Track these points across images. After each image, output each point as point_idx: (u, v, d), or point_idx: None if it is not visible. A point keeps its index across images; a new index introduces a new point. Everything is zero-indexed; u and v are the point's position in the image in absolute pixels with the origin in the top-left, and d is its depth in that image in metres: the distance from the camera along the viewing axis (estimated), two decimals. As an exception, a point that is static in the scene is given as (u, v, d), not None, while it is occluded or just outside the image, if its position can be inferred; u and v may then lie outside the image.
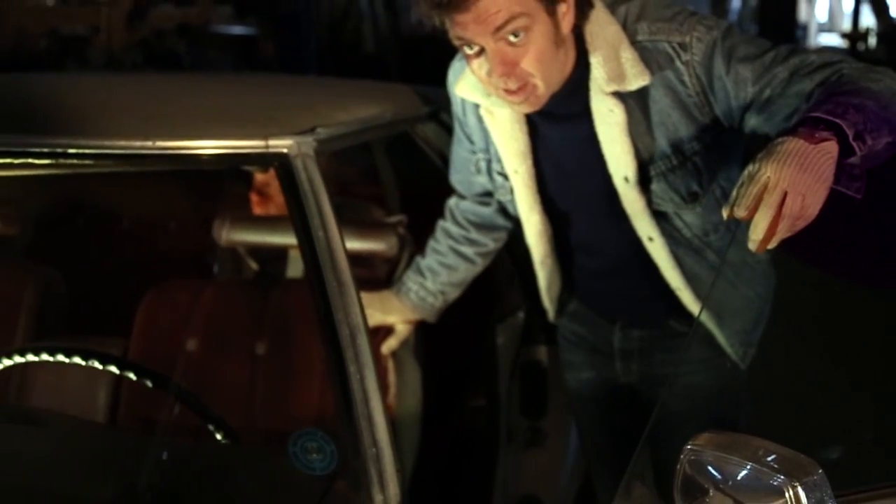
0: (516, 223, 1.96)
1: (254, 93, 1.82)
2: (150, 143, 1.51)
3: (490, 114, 1.78)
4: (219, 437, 1.53)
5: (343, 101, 1.90)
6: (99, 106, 1.64)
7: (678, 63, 1.63)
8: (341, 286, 1.45)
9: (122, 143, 1.52)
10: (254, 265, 2.55)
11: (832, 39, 13.95)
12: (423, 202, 2.25)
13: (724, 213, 1.34)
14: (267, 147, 1.54)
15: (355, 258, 1.68)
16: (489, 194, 1.97)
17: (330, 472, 1.38)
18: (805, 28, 12.94)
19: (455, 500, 2.35)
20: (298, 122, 1.62)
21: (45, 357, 1.55)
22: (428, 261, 2.07)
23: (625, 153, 1.69)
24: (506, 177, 1.85)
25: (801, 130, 1.34)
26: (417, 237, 2.21)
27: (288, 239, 2.40)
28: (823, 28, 15.49)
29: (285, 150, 1.54)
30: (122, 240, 2.69)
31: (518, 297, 2.33)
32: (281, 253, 2.44)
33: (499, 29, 1.53)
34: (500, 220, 2.02)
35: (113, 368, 1.59)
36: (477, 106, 1.81)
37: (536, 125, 1.77)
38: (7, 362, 1.60)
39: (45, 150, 1.51)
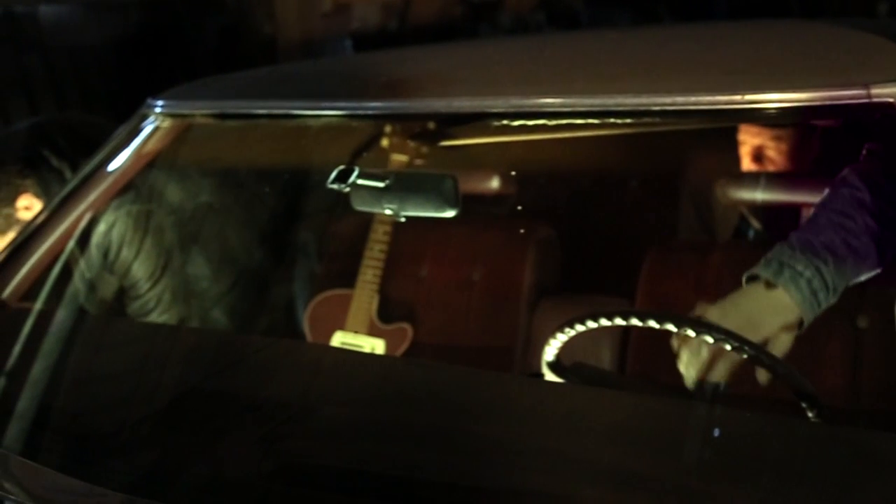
0: None
1: (820, 39, 1.68)
2: (738, 98, 1.42)
3: None
4: (810, 415, 1.41)
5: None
6: (677, 62, 1.59)
7: None
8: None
9: (708, 98, 1.44)
10: (756, 224, 2.43)
11: None
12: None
13: None
14: (869, 97, 1.39)
15: None
16: None
17: None
18: None
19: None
20: (891, 69, 1.46)
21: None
22: None
23: None
24: None
25: None
26: None
27: (799, 197, 2.26)
28: None
29: (892, 100, 1.39)
30: (622, 199, 2.68)
31: None
32: (791, 213, 2.29)
33: None
34: None
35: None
36: None
37: None
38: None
39: (629, 108, 1.47)
